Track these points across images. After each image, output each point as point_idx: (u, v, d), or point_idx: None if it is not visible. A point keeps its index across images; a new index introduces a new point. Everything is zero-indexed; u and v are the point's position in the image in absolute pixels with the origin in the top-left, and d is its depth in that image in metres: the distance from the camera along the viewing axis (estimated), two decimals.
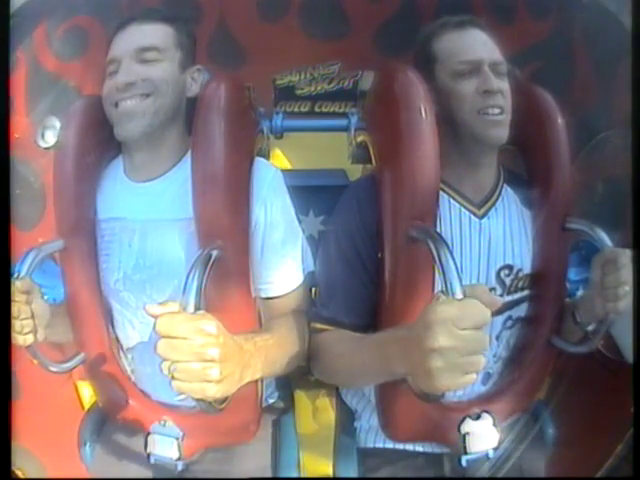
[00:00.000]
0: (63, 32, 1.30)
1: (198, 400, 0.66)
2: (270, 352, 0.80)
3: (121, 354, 0.96)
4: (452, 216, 0.91)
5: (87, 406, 1.12)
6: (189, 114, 0.90)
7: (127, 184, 0.93)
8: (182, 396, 0.63)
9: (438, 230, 0.87)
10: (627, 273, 0.81)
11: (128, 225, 0.91)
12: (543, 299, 0.95)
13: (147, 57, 0.88)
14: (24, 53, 1.23)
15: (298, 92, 1.35)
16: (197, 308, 0.63)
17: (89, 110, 0.93)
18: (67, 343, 0.94)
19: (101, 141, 0.93)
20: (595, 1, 1.11)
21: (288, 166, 1.49)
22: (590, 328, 0.91)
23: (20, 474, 1.07)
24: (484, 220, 0.92)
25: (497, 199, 0.94)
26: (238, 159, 0.87)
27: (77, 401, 1.39)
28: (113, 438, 1.00)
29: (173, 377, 0.61)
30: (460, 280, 0.61)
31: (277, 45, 1.46)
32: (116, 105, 0.88)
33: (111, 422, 1.01)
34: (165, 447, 0.90)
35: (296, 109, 1.35)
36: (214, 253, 0.76)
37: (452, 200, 0.92)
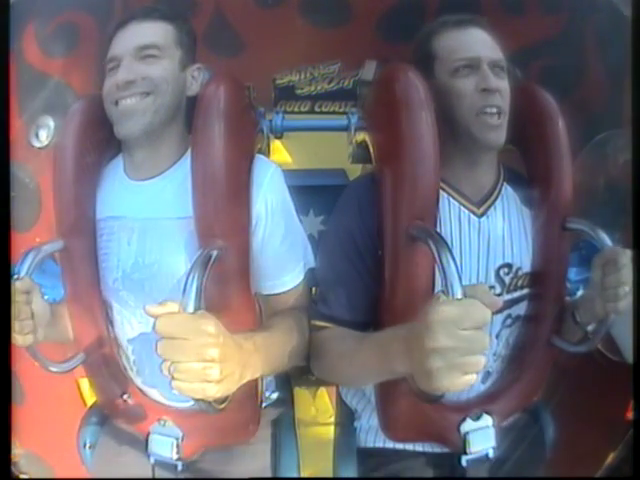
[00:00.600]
0: (53, 29, 1.29)
1: (198, 400, 0.66)
2: (270, 351, 0.81)
3: (121, 354, 0.96)
4: (451, 215, 0.91)
5: (89, 403, 1.11)
6: (189, 113, 0.90)
7: (127, 183, 0.93)
8: (182, 396, 0.63)
9: (437, 229, 0.87)
10: (627, 273, 0.81)
11: (127, 224, 0.91)
12: (543, 299, 0.95)
13: (147, 55, 0.88)
14: (14, 52, 1.22)
15: (298, 92, 1.35)
16: (197, 308, 0.63)
17: (89, 109, 0.93)
18: (67, 343, 0.94)
19: (101, 140, 0.93)
20: (607, 0, 1.11)
21: (288, 166, 1.49)
22: (590, 328, 0.91)
23: (24, 476, 1.07)
24: (483, 219, 0.92)
25: (497, 198, 0.94)
26: (238, 158, 0.87)
27: (79, 400, 1.39)
28: (113, 438, 1.00)
29: (173, 377, 0.61)
30: (460, 280, 0.61)
31: (276, 33, 1.43)
32: (116, 103, 0.88)
33: (111, 422, 1.01)
34: (165, 447, 0.90)
35: (296, 109, 1.35)
36: (214, 253, 0.76)
37: (451, 199, 0.92)
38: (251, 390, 0.89)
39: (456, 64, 0.88)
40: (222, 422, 0.86)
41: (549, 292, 0.95)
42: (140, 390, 0.95)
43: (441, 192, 0.88)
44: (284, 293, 0.93)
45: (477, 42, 0.89)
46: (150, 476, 0.94)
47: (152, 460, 0.91)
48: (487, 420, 0.91)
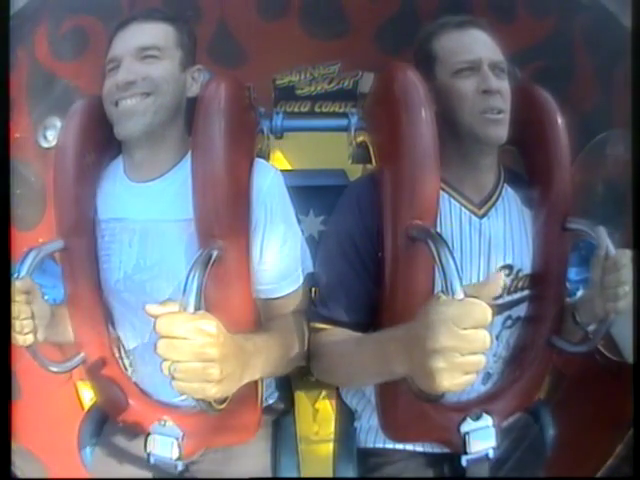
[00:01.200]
0: (63, 32, 1.30)
1: (198, 400, 0.66)
2: (270, 352, 0.81)
3: (122, 354, 0.96)
4: (452, 216, 0.91)
5: (87, 406, 1.11)
6: (189, 114, 0.90)
7: (127, 184, 0.93)
8: (182, 396, 0.63)
9: (438, 229, 0.87)
10: (627, 273, 0.81)
11: (128, 225, 0.91)
12: (543, 299, 0.95)
13: (148, 56, 0.88)
14: (24, 53, 1.23)
15: (298, 92, 1.35)
16: (197, 308, 0.63)
17: (89, 110, 0.93)
18: (67, 343, 0.94)
19: (101, 141, 0.93)
20: (595, 1, 1.11)
21: (288, 166, 1.49)
22: (590, 328, 0.91)
23: (20, 474, 1.07)
24: (484, 220, 0.92)
25: (497, 199, 0.94)
26: (238, 159, 0.87)
27: (77, 401, 1.40)
28: (113, 438, 1.00)
29: (173, 377, 0.61)
30: (460, 280, 0.62)
31: (277, 44, 1.47)
32: (116, 104, 0.88)
33: (111, 422, 1.01)
34: (165, 447, 0.90)
35: (296, 109, 1.35)
36: (214, 253, 0.76)
37: (452, 200, 0.92)
38: (251, 391, 0.89)
39: (457, 65, 0.88)
40: (222, 422, 0.86)
41: (549, 292, 0.95)
42: (140, 390, 0.95)
43: (442, 193, 0.88)
44: (283, 297, 0.92)
45: (478, 43, 0.89)
46: (150, 476, 0.94)
47: (152, 460, 0.91)
48: (487, 420, 0.91)
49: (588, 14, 1.20)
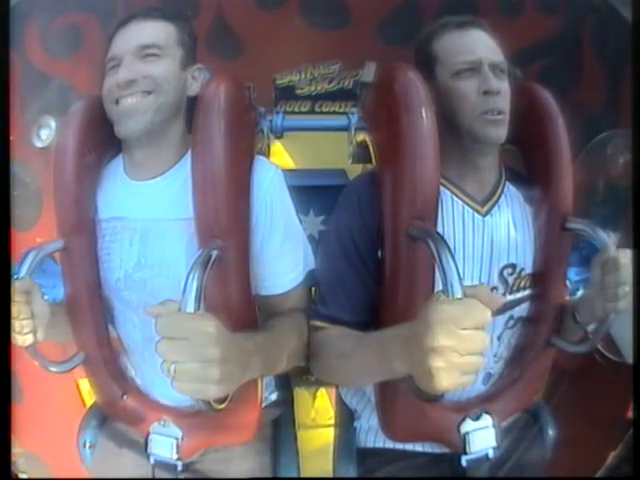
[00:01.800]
0: (56, 30, 1.29)
1: (198, 400, 0.66)
2: (270, 351, 0.81)
3: (122, 353, 0.96)
4: (455, 214, 0.91)
5: (89, 403, 1.11)
6: (189, 113, 0.90)
7: (127, 183, 0.93)
8: (182, 396, 0.63)
9: (441, 228, 0.87)
10: (627, 273, 0.81)
11: (129, 224, 0.91)
12: (544, 299, 0.95)
13: (148, 54, 0.88)
14: (16, 52, 1.22)
15: (298, 92, 1.35)
16: (197, 308, 0.63)
17: (89, 110, 0.92)
18: (67, 343, 0.94)
19: (101, 140, 0.93)
20: (604, 1, 1.11)
21: (288, 166, 1.49)
22: (590, 328, 0.91)
23: (22, 475, 1.07)
24: (487, 218, 0.92)
25: (500, 197, 0.94)
26: (238, 159, 0.87)
27: (78, 400, 1.40)
28: (113, 438, 0.99)
29: (173, 377, 0.61)
30: (460, 280, 0.61)
31: (276, 35, 1.45)
32: (117, 102, 0.87)
33: (111, 422, 1.01)
34: (165, 447, 0.90)
35: (296, 109, 1.35)
36: (214, 253, 0.76)
37: (455, 197, 0.91)
38: (251, 390, 0.89)
39: (457, 66, 0.88)
40: (222, 422, 0.86)
41: (549, 292, 0.95)
42: (140, 390, 0.95)
43: (445, 190, 0.88)
44: (283, 294, 0.93)
45: (478, 44, 0.89)
46: (150, 476, 0.94)
47: (152, 460, 0.91)
48: (487, 420, 0.91)
49: (596, 13, 1.20)
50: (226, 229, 0.83)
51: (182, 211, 0.86)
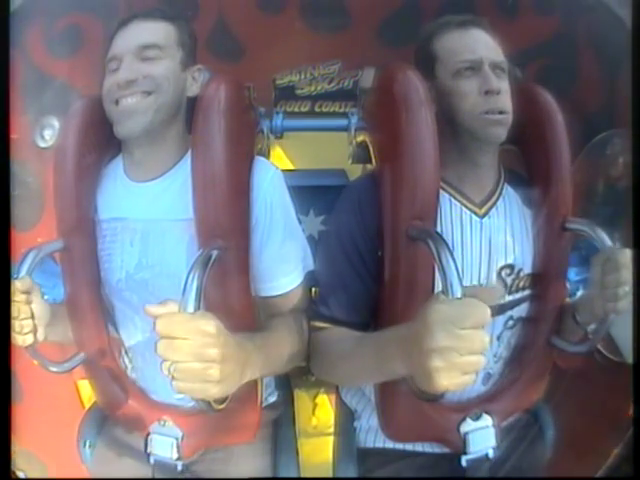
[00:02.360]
0: (58, 30, 1.30)
1: (198, 400, 0.66)
2: (270, 351, 0.81)
3: (122, 353, 0.96)
4: (453, 215, 0.91)
5: (88, 405, 1.12)
6: (189, 114, 0.90)
7: (127, 184, 0.93)
8: (182, 396, 0.63)
9: (439, 229, 0.87)
10: (627, 273, 0.81)
11: (129, 225, 0.91)
12: (543, 299, 0.95)
13: (148, 55, 0.88)
14: (19, 52, 1.22)
15: (298, 92, 1.35)
16: (197, 308, 0.63)
17: (89, 110, 0.92)
18: (67, 343, 0.94)
19: (101, 140, 0.93)
20: (600, 2, 1.11)
21: (288, 166, 1.49)
22: (590, 328, 0.91)
23: (21, 474, 1.07)
24: (485, 219, 0.92)
25: (498, 198, 0.94)
26: (238, 159, 0.87)
27: (78, 400, 1.40)
28: (113, 438, 1.00)
29: (173, 377, 0.61)
30: (460, 280, 0.61)
31: (277, 38, 1.45)
32: (117, 103, 0.87)
33: (111, 422, 1.01)
34: (165, 447, 0.90)
35: (296, 109, 1.35)
36: (214, 253, 0.76)
37: (453, 199, 0.92)
38: (251, 390, 0.89)
39: (458, 65, 0.88)
40: (222, 422, 0.86)
41: (549, 292, 0.95)
42: (140, 390, 0.95)
43: (443, 192, 0.88)
44: (283, 295, 0.92)
45: (479, 44, 0.89)
46: (150, 476, 0.94)
47: (152, 460, 0.91)
48: (487, 420, 0.91)
49: (592, 14, 1.20)
50: (226, 229, 0.83)
51: (182, 211, 0.86)
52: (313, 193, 1.36)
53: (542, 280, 0.95)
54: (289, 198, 0.93)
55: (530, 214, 0.96)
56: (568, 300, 0.98)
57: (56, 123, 1.30)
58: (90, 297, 0.92)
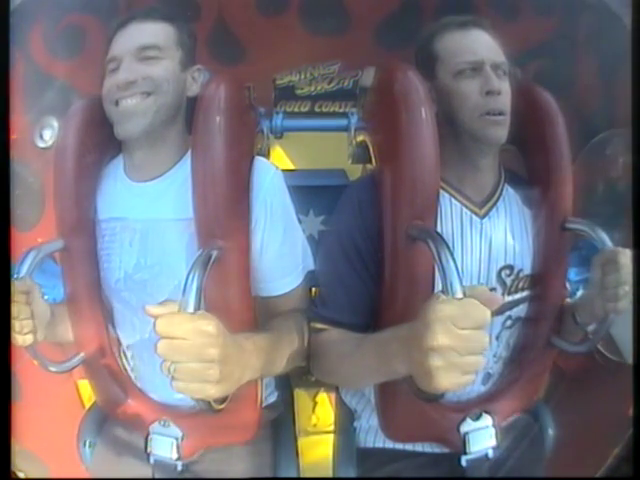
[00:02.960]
0: (60, 31, 1.30)
1: (198, 400, 0.66)
2: (270, 352, 0.81)
3: (121, 354, 0.96)
4: (453, 216, 0.91)
5: (88, 405, 1.12)
6: (189, 114, 0.90)
7: (127, 184, 0.93)
8: (182, 396, 0.63)
9: (439, 230, 0.87)
10: (627, 273, 0.81)
11: (129, 225, 0.91)
12: (543, 299, 0.95)
13: (148, 55, 0.88)
14: (20, 52, 1.22)
15: (298, 92, 1.35)
16: (197, 308, 0.63)
17: (89, 110, 0.92)
18: (67, 343, 0.94)
19: (101, 141, 0.93)
20: (599, 1, 1.11)
21: (288, 166, 1.49)
22: (590, 328, 0.91)
23: (21, 474, 1.07)
24: (485, 220, 0.92)
25: (498, 199, 0.94)
26: (238, 159, 0.87)
27: (78, 400, 1.40)
28: (113, 438, 0.99)
29: (173, 377, 0.61)
30: (460, 280, 0.61)
31: (277, 41, 1.45)
32: (116, 104, 0.87)
33: (111, 422, 1.01)
34: (165, 447, 0.90)
35: (296, 109, 1.35)
36: (214, 253, 0.76)
37: (453, 200, 0.92)
38: (251, 390, 0.89)
39: (459, 66, 0.88)
40: (222, 422, 0.86)
41: (549, 292, 0.95)
42: (140, 390, 0.95)
43: (443, 193, 0.88)
44: (283, 295, 0.93)
45: (480, 44, 0.89)
46: (150, 476, 0.94)
47: (152, 460, 0.91)
48: (487, 420, 0.91)
49: (592, 14, 1.20)
50: (226, 229, 0.83)
51: (182, 211, 0.86)
52: (313, 193, 1.36)
53: (542, 280, 0.95)
54: (289, 198, 0.93)
55: (530, 214, 0.96)
56: (568, 300, 0.98)
57: (55, 123, 1.31)
58: (90, 297, 0.92)
